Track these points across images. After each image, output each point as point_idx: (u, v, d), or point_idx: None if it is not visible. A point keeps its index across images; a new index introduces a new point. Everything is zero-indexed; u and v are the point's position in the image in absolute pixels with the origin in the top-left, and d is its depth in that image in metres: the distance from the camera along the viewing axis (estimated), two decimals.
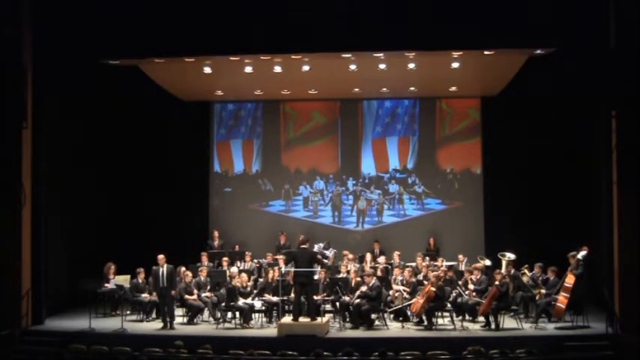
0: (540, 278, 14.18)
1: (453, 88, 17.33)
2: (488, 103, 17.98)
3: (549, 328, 13.42)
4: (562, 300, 13.21)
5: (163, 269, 13.89)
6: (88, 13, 13.93)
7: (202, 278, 14.52)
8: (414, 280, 14.26)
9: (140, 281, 14.67)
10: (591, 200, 15.03)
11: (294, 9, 13.57)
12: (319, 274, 14.10)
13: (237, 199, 18.88)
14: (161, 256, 13.98)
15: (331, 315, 14.19)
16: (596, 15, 13.34)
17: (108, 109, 16.92)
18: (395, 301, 14.07)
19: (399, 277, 14.51)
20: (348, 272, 14.53)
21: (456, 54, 14.46)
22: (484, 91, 17.74)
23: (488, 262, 15.07)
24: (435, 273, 13.89)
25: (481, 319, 13.78)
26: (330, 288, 13.99)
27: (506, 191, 17.41)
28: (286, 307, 14.06)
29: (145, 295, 14.56)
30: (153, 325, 14.02)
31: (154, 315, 14.61)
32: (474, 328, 13.63)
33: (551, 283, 13.82)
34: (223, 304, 13.98)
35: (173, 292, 13.96)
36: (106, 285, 14.88)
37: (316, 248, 15.47)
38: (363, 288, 13.58)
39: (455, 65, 14.97)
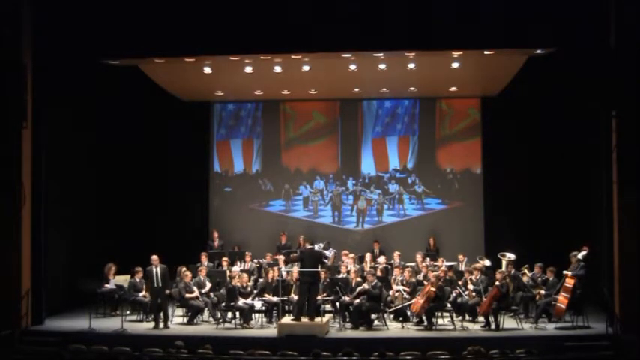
0: (540, 278, 14.18)
1: (453, 88, 17.34)
2: (488, 103, 17.99)
3: (549, 328, 13.43)
4: (562, 300, 13.22)
5: (157, 269, 13.91)
6: (88, 13, 13.93)
7: (202, 278, 14.53)
8: (414, 280, 14.26)
9: (138, 280, 14.67)
10: (591, 200, 15.03)
11: (294, 9, 13.57)
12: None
13: (237, 199, 18.90)
14: (155, 257, 14.02)
15: (331, 315, 14.19)
16: (596, 15, 13.35)
17: (108, 109, 16.92)
18: (395, 301, 14.07)
19: (399, 277, 14.51)
20: (348, 272, 14.53)
21: (456, 54, 14.46)
22: (484, 91, 17.75)
23: (488, 262, 15.08)
24: (435, 273, 13.90)
25: (481, 319, 13.78)
26: (330, 288, 14.00)
27: (506, 191, 17.42)
28: (286, 307, 14.07)
29: (143, 294, 14.56)
30: (153, 325, 14.01)
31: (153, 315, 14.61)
32: (474, 328, 13.63)
33: (551, 283, 13.82)
34: (223, 304, 13.99)
35: (167, 292, 13.99)
36: (106, 285, 14.88)
37: (316, 248, 15.46)
38: (366, 285, 13.59)
39: (455, 65, 14.97)
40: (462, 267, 15.49)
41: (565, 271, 13.45)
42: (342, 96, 18.42)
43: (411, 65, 15.03)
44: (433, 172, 18.56)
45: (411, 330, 13.53)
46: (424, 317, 13.65)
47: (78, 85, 15.54)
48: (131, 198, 17.65)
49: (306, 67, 15.18)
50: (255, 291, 14.14)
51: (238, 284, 13.96)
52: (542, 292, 13.83)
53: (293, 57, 14.64)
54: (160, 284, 13.85)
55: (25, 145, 13.98)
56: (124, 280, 14.86)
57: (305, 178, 18.81)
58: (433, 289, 13.41)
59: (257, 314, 14.24)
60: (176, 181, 18.24)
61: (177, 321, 14.37)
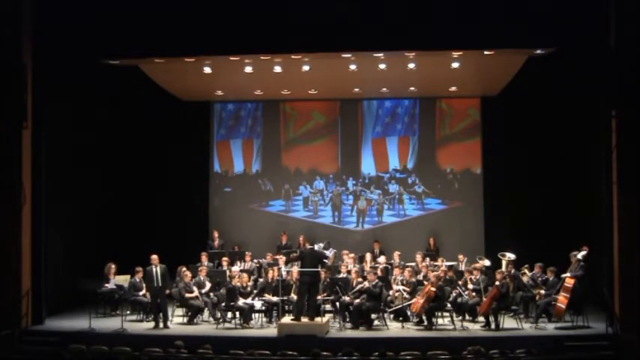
0: (540, 278, 14.18)
1: (453, 88, 17.34)
2: (488, 103, 17.99)
3: (549, 328, 13.43)
4: (562, 300, 13.22)
5: (157, 269, 13.91)
6: (88, 13, 13.92)
7: (202, 278, 14.54)
8: (414, 280, 14.26)
9: (138, 280, 14.67)
10: (591, 200, 15.03)
11: (294, 9, 13.57)
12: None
13: (237, 199, 18.89)
14: (154, 256, 14.02)
15: (331, 315, 14.19)
16: (596, 15, 13.35)
17: (108, 109, 16.92)
18: (395, 301, 14.07)
19: (399, 277, 14.51)
20: (348, 272, 14.53)
21: (456, 54, 14.46)
22: (484, 91, 17.75)
23: (487, 262, 15.07)
24: (435, 273, 13.90)
25: (481, 319, 13.78)
26: (330, 288, 14.00)
27: (506, 191, 17.42)
28: (286, 307, 14.07)
29: (142, 293, 14.55)
30: (153, 325, 14.00)
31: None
32: (474, 328, 13.63)
33: (551, 283, 13.83)
34: (223, 304, 13.99)
35: (167, 292, 14.00)
36: (106, 285, 14.89)
37: (316, 248, 15.47)
38: (366, 284, 13.60)
39: (455, 65, 14.97)
40: (462, 267, 15.50)
41: (564, 275, 13.45)
42: (342, 96, 18.42)
43: (411, 65, 15.03)
44: (433, 172, 18.56)
45: (411, 330, 13.53)
46: (424, 317, 13.65)
47: (78, 85, 15.54)
48: (131, 198, 17.65)
49: (306, 67, 15.18)
50: (255, 291, 14.14)
51: (238, 284, 13.96)
52: (542, 292, 13.83)
53: (293, 57, 14.64)
54: (160, 284, 13.86)
55: (25, 145, 13.98)
56: (124, 280, 14.86)
57: (305, 178, 18.81)
58: (433, 289, 13.41)
59: (257, 314, 14.24)
60: (176, 181, 18.24)
61: (177, 321, 14.37)
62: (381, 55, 14.48)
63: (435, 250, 17.14)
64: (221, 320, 13.95)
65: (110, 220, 17.08)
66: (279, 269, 14.78)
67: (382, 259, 15.78)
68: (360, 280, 13.96)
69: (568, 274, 13.34)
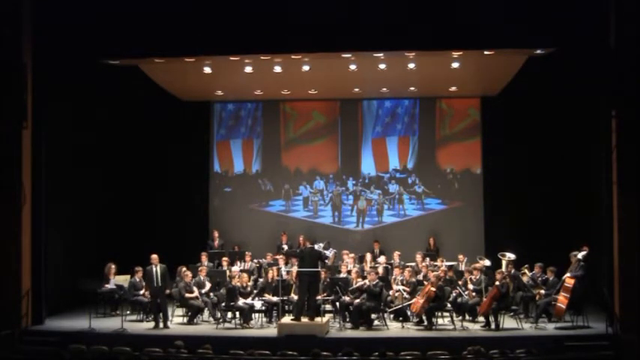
0: (540, 278, 14.18)
1: (453, 88, 17.34)
2: (488, 103, 17.99)
3: (549, 328, 13.43)
4: (562, 300, 13.22)
5: (157, 269, 13.92)
6: (88, 13, 13.93)
7: (202, 278, 14.54)
8: (414, 280, 14.26)
9: (138, 280, 14.67)
10: (591, 200, 15.04)
11: (294, 9, 13.57)
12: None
13: (237, 199, 18.89)
14: (154, 256, 14.03)
15: (331, 315, 14.19)
16: (596, 15, 13.35)
17: (108, 109, 16.92)
18: (395, 301, 14.08)
19: (399, 277, 14.51)
20: (348, 272, 14.53)
21: (456, 54, 14.46)
22: (484, 91, 17.75)
23: (487, 262, 15.07)
24: (435, 273, 13.90)
25: (481, 319, 13.78)
26: (330, 288, 14.00)
27: (506, 191, 17.42)
28: (286, 307, 14.07)
29: (142, 292, 14.55)
30: (153, 325, 14.00)
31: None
32: (474, 328, 13.63)
33: (551, 283, 13.83)
34: (223, 304, 13.99)
35: (167, 292, 14.00)
36: (106, 285, 14.89)
37: (316, 248, 15.48)
38: (367, 282, 13.59)
39: (455, 65, 14.97)
40: (462, 267, 15.50)
41: (565, 276, 13.44)
42: (342, 96, 18.42)
43: (411, 65, 15.03)
44: (433, 172, 18.56)
45: (411, 330, 13.53)
46: (424, 317, 13.65)
47: (78, 85, 15.53)
48: (131, 198, 17.65)
49: (306, 67, 15.18)
50: (255, 291, 14.14)
51: (238, 284, 13.96)
52: (542, 292, 13.83)
53: (293, 57, 14.64)
54: (160, 284, 13.87)
55: (25, 145, 13.98)
56: (124, 280, 14.86)
57: (305, 178, 18.81)
58: (433, 289, 13.41)
59: (257, 314, 14.24)
60: (176, 181, 18.24)
61: (177, 321, 14.37)
62: (381, 55, 14.48)
63: (435, 250, 17.14)
64: (221, 320, 13.95)
65: (110, 220, 17.07)
66: (279, 269, 14.79)
67: (382, 259, 15.77)
68: (359, 280, 13.96)
69: (568, 274, 13.34)
